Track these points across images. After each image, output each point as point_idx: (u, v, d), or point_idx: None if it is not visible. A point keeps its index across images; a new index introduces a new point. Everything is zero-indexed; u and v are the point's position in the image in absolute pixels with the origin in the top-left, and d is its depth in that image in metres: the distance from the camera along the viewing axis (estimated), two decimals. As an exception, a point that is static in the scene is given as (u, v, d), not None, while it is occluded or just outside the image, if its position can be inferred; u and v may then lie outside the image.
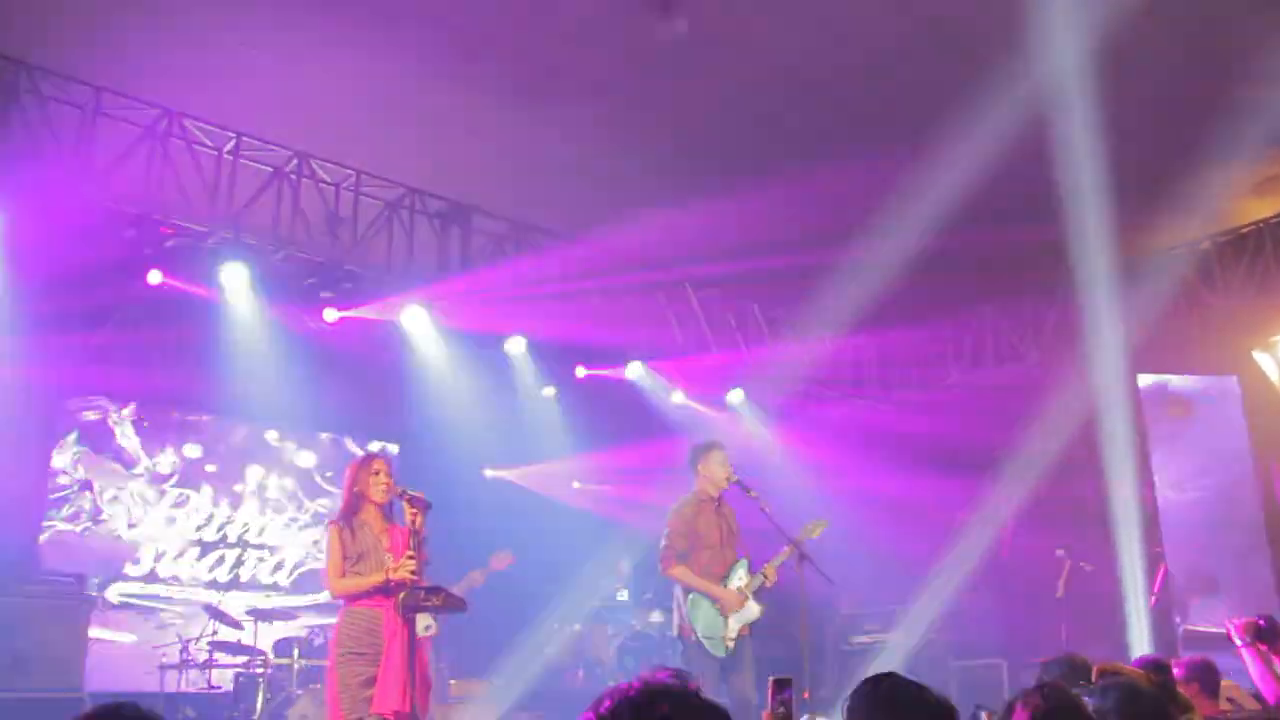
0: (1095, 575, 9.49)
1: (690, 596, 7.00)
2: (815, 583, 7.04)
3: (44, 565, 9.55)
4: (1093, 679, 4.25)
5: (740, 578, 7.09)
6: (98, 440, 10.60)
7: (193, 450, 11.21)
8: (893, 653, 10.48)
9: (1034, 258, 9.82)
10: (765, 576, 7.08)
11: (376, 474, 6.22)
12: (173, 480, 10.99)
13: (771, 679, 3.43)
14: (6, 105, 7.57)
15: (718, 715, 2.03)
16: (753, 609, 7.05)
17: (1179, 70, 7.80)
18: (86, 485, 10.37)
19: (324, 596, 11.68)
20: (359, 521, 6.17)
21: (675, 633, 7.19)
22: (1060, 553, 9.38)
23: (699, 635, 6.92)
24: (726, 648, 6.95)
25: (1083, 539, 9.76)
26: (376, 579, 5.99)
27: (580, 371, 11.11)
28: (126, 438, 10.83)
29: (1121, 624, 9.49)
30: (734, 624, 6.98)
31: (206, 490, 11.06)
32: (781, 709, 3.37)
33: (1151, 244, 10.15)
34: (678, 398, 11.80)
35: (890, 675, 3.00)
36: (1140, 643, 9.16)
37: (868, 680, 2.98)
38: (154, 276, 8.36)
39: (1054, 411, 10.20)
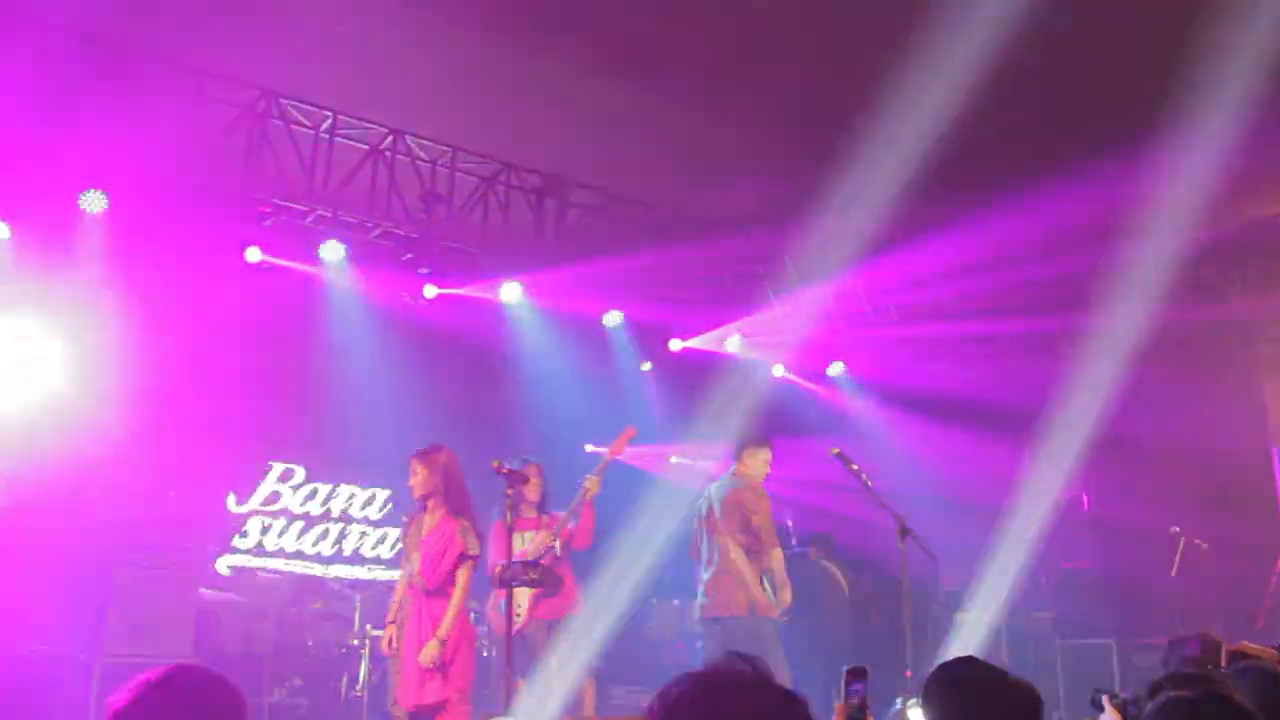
0: (1209, 554, 9.14)
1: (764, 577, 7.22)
2: (916, 560, 6.96)
3: (157, 538, 9.83)
4: (1222, 662, 4.06)
5: (780, 559, 7.40)
6: (204, 416, 10.84)
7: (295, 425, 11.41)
8: (995, 631, 10.23)
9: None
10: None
11: (415, 474, 6.37)
12: (278, 456, 11.21)
13: (846, 668, 3.26)
14: (113, 90, 7.73)
15: (791, 700, 1.94)
16: (788, 594, 7.42)
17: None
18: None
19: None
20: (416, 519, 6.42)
21: (750, 612, 7.16)
22: (1175, 530, 9.06)
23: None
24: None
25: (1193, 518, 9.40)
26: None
27: (675, 345, 11.01)
28: (231, 413, 11.06)
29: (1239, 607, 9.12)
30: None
31: (310, 465, 11.26)
32: (855, 699, 3.16)
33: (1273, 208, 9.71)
34: (778, 371, 11.64)
35: (968, 659, 2.89)
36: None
37: (944, 665, 2.87)
38: (252, 254, 8.52)
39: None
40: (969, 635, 9.86)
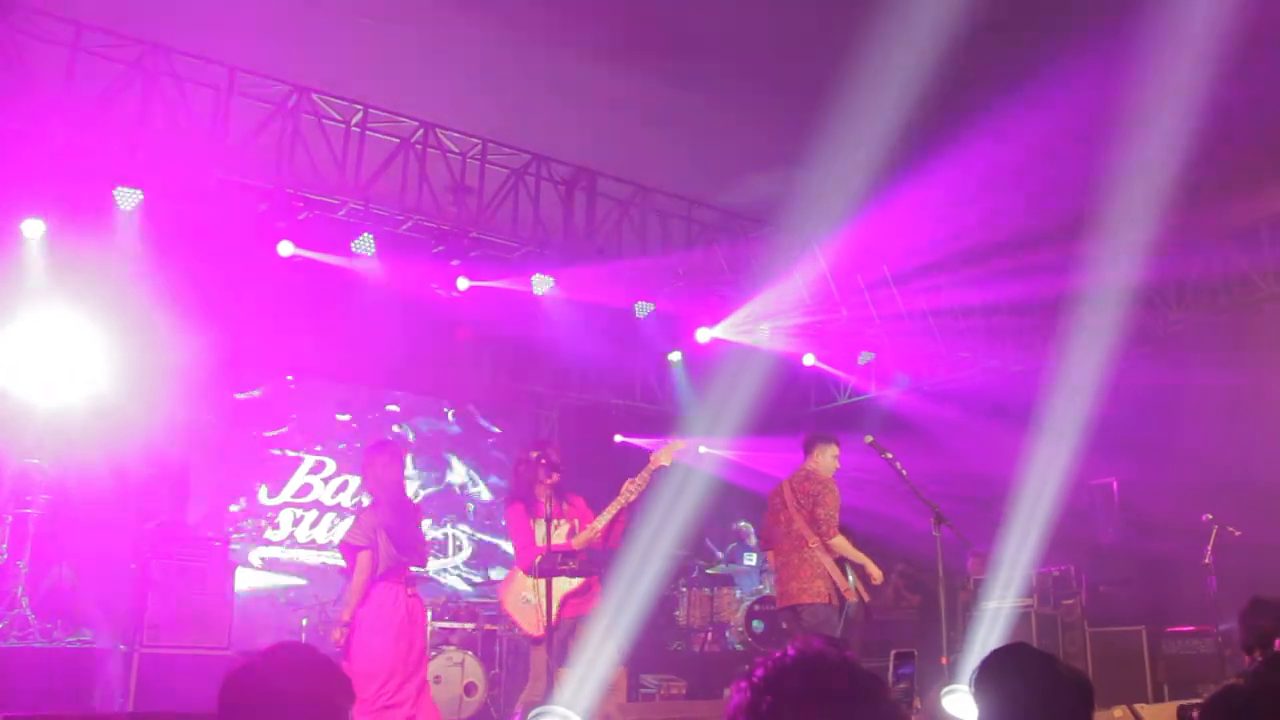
0: (1242, 542, 9.11)
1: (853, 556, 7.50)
2: (950, 547, 7.07)
3: (191, 529, 9.93)
4: None
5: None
6: (237, 411, 10.96)
7: (337, 417, 11.51)
8: (1026, 618, 10.24)
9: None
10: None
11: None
12: (310, 448, 11.31)
13: (894, 652, 3.29)
14: (146, 87, 7.80)
15: (873, 682, 1.97)
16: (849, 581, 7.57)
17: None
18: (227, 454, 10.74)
19: (456, 560, 11.96)
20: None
21: (827, 599, 7.36)
22: (1207, 518, 9.03)
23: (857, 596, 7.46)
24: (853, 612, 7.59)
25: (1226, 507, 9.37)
26: None
27: (704, 335, 11.00)
28: (269, 407, 11.17)
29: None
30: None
31: (341, 457, 11.35)
32: (903, 684, 3.19)
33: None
34: (809, 359, 11.66)
35: (1020, 645, 2.90)
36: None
37: (996, 651, 2.88)
38: (285, 248, 8.57)
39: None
40: (996, 622, 9.89)
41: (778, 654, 1.96)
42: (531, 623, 6.51)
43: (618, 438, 12.50)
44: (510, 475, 7.11)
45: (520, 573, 6.68)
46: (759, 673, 1.93)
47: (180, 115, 7.99)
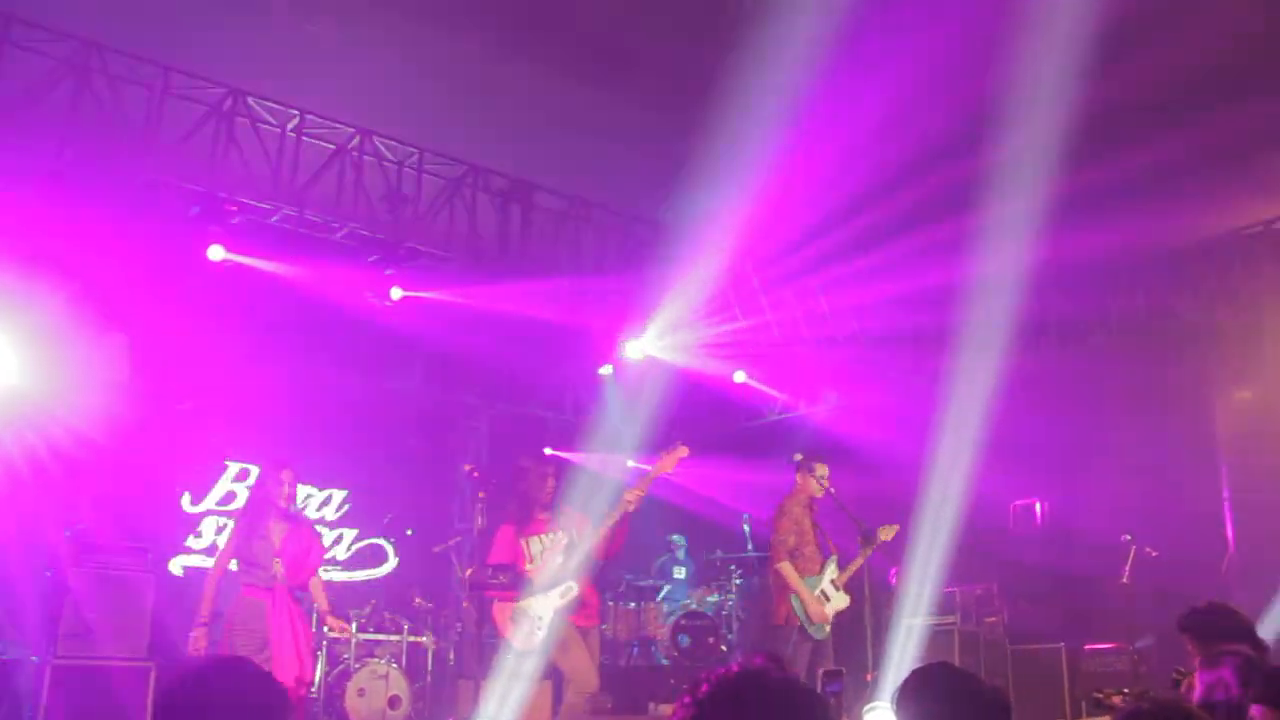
0: (1159, 562, 9.34)
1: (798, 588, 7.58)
2: (876, 566, 7.28)
3: (110, 537, 9.71)
4: None
5: (832, 571, 7.66)
6: (160, 415, 10.75)
7: (254, 424, 11.33)
8: (949, 635, 10.40)
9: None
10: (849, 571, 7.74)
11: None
12: (235, 455, 11.13)
13: (821, 670, 3.36)
14: (78, 85, 7.65)
15: (816, 700, 2.00)
16: (843, 599, 7.67)
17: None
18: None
19: (382, 571, 11.83)
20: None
21: (780, 620, 7.56)
22: (1126, 537, 9.24)
23: (803, 621, 7.46)
24: (825, 632, 7.51)
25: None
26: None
27: (634, 350, 11.00)
28: (189, 411, 10.97)
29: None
30: (829, 612, 7.57)
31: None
32: (831, 700, 3.27)
33: (1226, 224, 9.94)
34: (739, 377, 11.72)
35: (942, 664, 2.96)
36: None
37: (917, 670, 2.94)
38: (215, 252, 8.42)
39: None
40: (920, 640, 10.01)
41: (721, 670, 1.99)
42: (518, 638, 6.47)
43: (547, 450, 12.46)
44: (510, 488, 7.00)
45: None
46: (703, 689, 1.95)
47: (111, 114, 7.85)
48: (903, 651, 9.55)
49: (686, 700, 1.96)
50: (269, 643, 6.69)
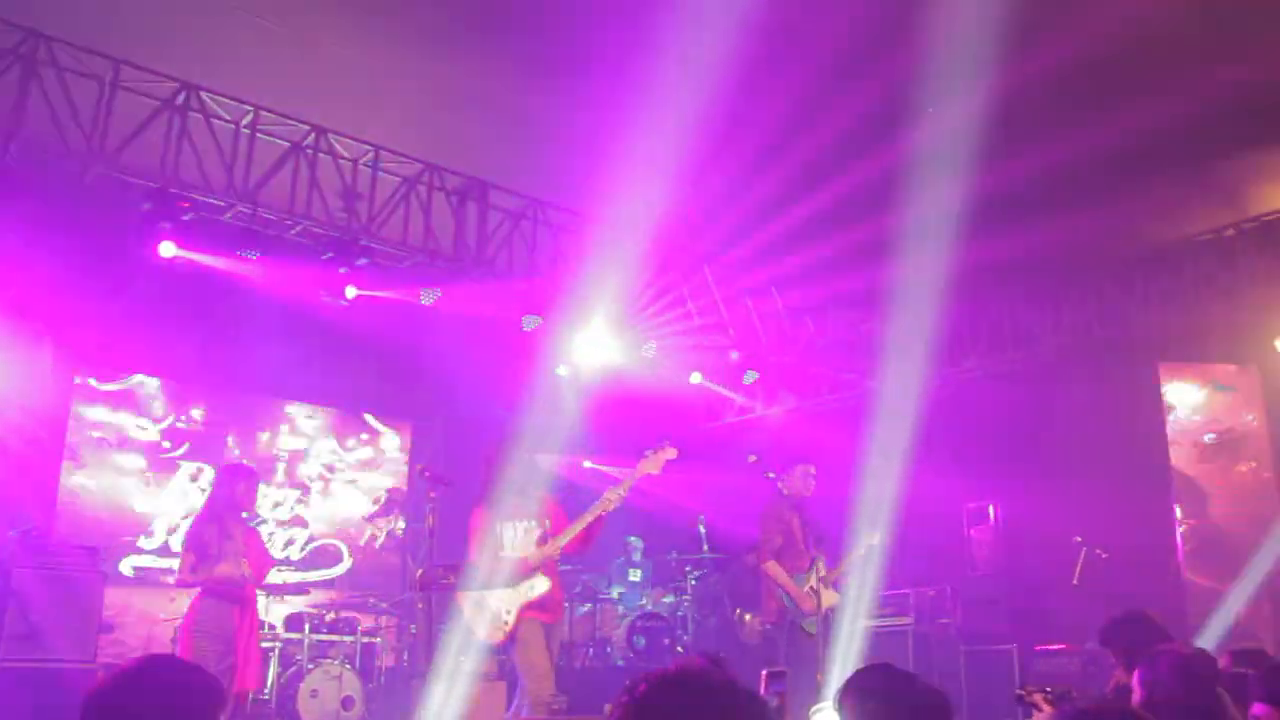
0: (1109, 564, 9.45)
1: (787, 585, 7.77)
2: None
3: (59, 537, 9.58)
4: None
5: (820, 569, 7.79)
6: (113, 412, 10.64)
7: (208, 424, 11.25)
8: (903, 636, 10.47)
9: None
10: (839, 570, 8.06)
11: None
12: (185, 452, 11.03)
13: (765, 671, 3.37)
14: (25, 77, 7.53)
15: (753, 701, 2.00)
16: (832, 596, 7.89)
17: (1210, 54, 7.67)
18: (103, 457, 10.41)
19: (336, 571, 11.75)
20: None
21: (773, 620, 7.82)
22: (1077, 539, 9.36)
23: (795, 616, 7.69)
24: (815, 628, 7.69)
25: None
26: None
27: (587, 350, 10.94)
28: (142, 410, 10.86)
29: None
30: (822, 606, 7.72)
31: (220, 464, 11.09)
32: (775, 701, 3.29)
33: (1176, 231, 10.07)
34: (695, 378, 11.73)
35: (882, 666, 2.98)
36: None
37: (859, 671, 2.96)
38: (166, 249, 8.30)
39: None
40: (873, 641, 10.03)
41: (660, 670, 1.98)
42: (482, 629, 6.41)
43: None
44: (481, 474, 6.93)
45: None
46: (640, 689, 1.95)
47: (62, 106, 7.72)
48: (853, 653, 9.61)
49: (623, 700, 1.96)
50: (235, 646, 6.65)
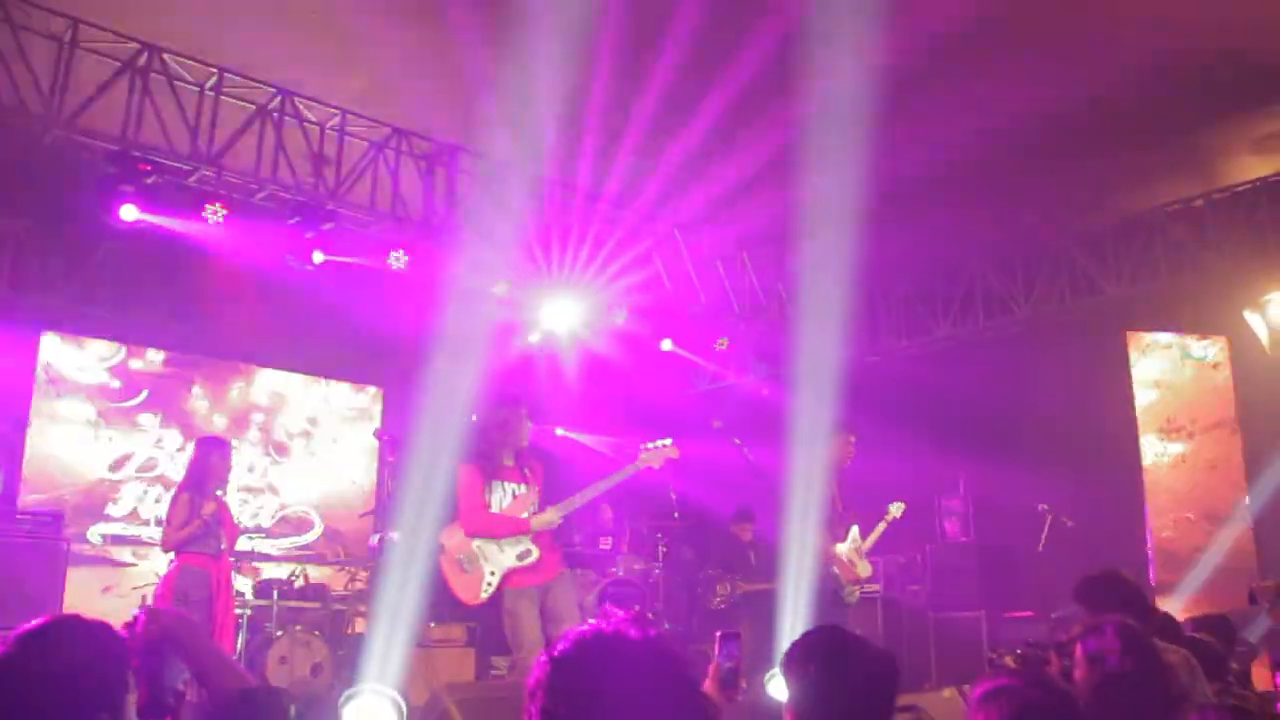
0: (1075, 531, 9.51)
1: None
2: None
3: (24, 505, 9.52)
4: None
5: (854, 537, 7.92)
6: (79, 377, 10.55)
7: (175, 390, 11.16)
8: (873, 603, 10.50)
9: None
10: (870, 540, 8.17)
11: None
12: (154, 419, 10.95)
13: (719, 633, 3.34)
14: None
15: (671, 659, 1.98)
16: (866, 567, 7.97)
17: (1178, 24, 7.64)
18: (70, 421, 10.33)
19: (306, 539, 11.72)
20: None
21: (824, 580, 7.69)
22: (1043, 507, 9.42)
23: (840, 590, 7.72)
24: (855, 596, 7.84)
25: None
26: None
27: (559, 320, 10.90)
28: (108, 375, 10.77)
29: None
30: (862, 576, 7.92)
31: (189, 431, 11.02)
32: (729, 664, 3.26)
33: (1146, 201, 10.07)
34: (666, 345, 11.69)
35: (830, 628, 2.95)
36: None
37: (804, 635, 2.93)
38: (128, 212, 8.18)
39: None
40: (842, 607, 10.04)
41: (578, 629, 1.96)
42: (463, 589, 6.32)
43: (473, 416, 12.35)
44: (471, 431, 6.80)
45: (461, 535, 6.39)
46: (558, 647, 1.93)
47: (22, 67, 7.60)
48: (820, 619, 9.65)
49: (542, 659, 1.93)
50: (213, 613, 6.79)
